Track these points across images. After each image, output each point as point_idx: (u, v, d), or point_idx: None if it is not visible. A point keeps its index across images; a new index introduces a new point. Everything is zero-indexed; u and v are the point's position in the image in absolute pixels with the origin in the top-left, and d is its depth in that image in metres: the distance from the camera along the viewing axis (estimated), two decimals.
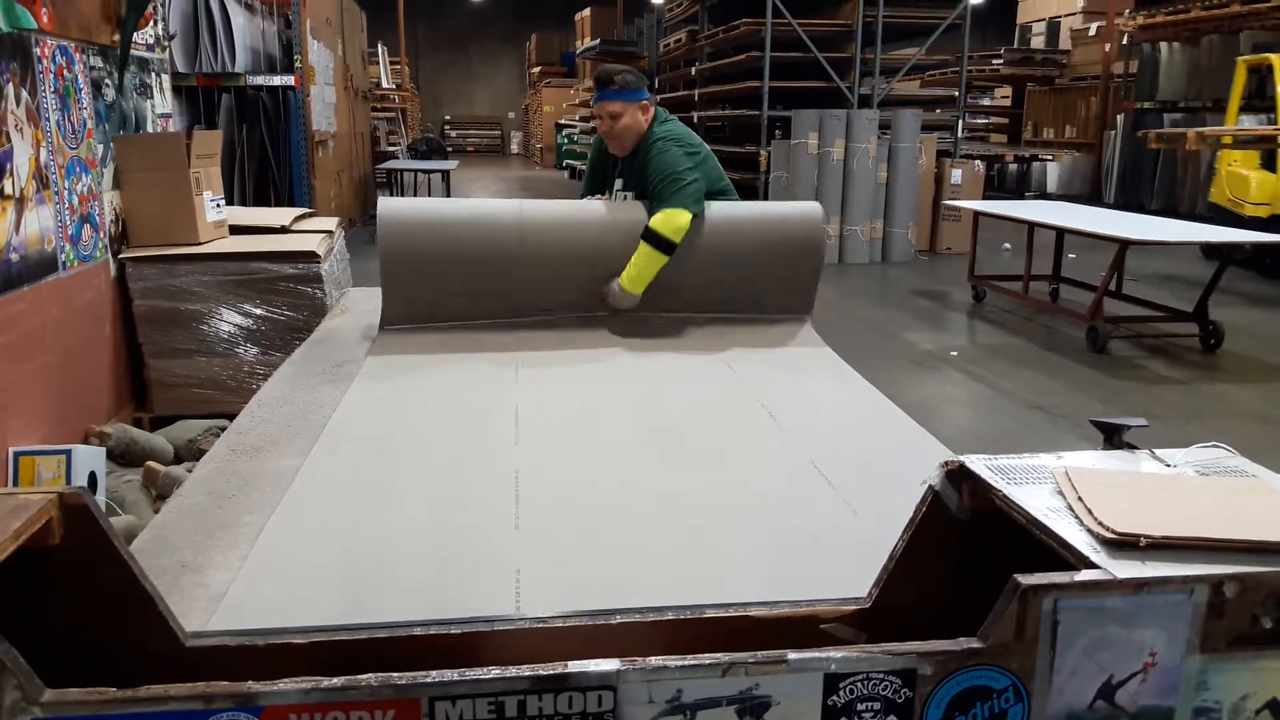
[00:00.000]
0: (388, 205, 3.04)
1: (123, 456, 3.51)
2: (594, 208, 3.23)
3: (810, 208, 3.28)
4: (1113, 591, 1.00)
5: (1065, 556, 1.07)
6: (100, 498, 3.16)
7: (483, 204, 3.32)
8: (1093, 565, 1.03)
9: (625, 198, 3.29)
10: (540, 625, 1.27)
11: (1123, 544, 1.06)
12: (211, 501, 1.82)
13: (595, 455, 2.09)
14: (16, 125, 3.13)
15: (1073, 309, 6.42)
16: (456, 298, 3.01)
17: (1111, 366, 5.48)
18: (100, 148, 3.81)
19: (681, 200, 3.02)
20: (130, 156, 3.99)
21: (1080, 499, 1.16)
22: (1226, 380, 5.25)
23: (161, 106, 4.58)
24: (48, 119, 3.35)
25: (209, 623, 1.35)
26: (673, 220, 3.00)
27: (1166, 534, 1.07)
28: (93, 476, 3.21)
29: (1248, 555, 1.05)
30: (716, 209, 3.15)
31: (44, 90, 3.33)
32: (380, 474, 1.95)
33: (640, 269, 3.01)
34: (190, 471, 2.21)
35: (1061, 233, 6.77)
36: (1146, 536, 1.06)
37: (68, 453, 3.15)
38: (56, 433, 3.37)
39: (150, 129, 4.39)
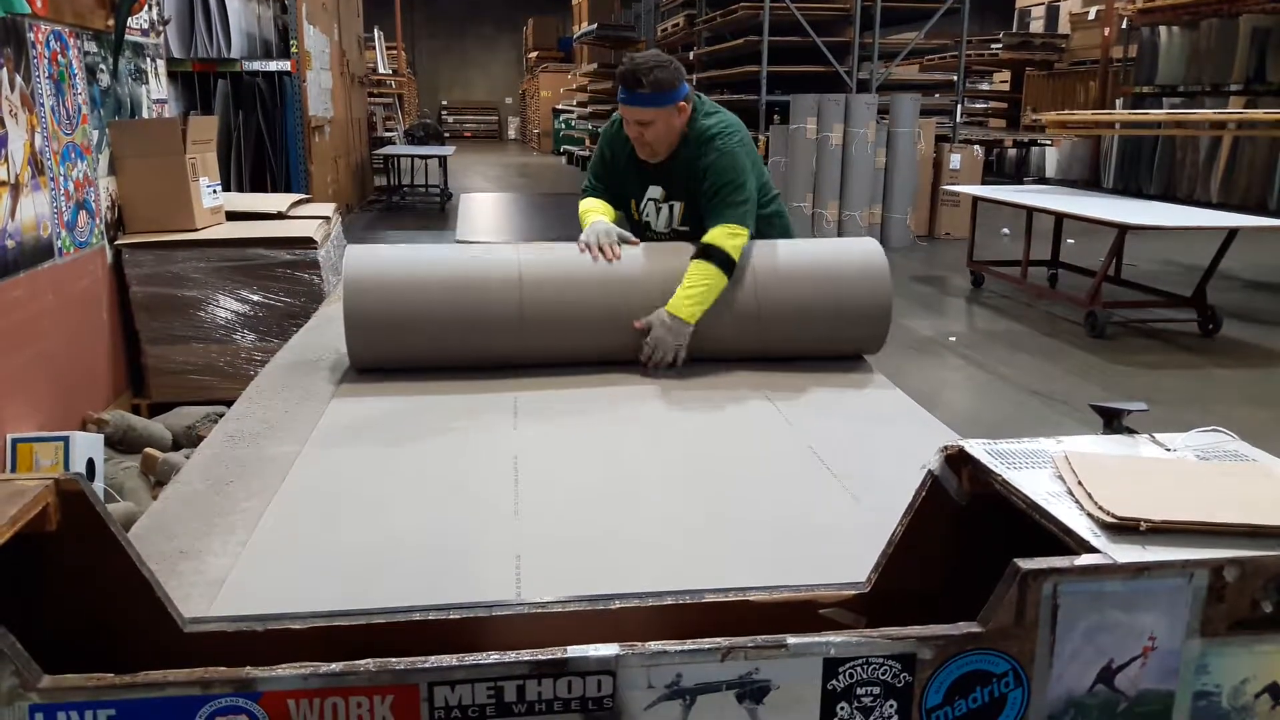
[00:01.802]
0: (353, 297, 2.40)
1: (121, 443, 3.50)
2: (621, 268, 2.56)
3: (875, 262, 2.66)
4: (1113, 576, 1.00)
5: (1065, 541, 1.07)
6: (98, 484, 3.16)
7: (472, 284, 2.49)
8: (1093, 549, 1.03)
9: (669, 209, 2.74)
10: (539, 610, 1.27)
11: (1123, 528, 1.06)
12: (209, 488, 1.82)
13: (594, 442, 2.08)
14: (11, 111, 3.11)
15: (1071, 294, 6.42)
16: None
17: (1110, 351, 5.47)
18: (95, 133, 3.79)
19: (743, 216, 2.55)
20: (126, 142, 3.97)
21: (1080, 483, 1.16)
22: (1225, 365, 5.25)
23: (157, 92, 4.56)
24: (42, 104, 3.33)
25: (208, 609, 1.35)
26: (737, 236, 2.52)
27: (1166, 518, 1.06)
28: (91, 463, 3.20)
29: (1248, 539, 1.05)
30: (764, 263, 2.62)
31: (38, 75, 3.31)
32: (379, 461, 1.95)
33: (699, 292, 2.46)
34: (188, 458, 2.21)
35: (1060, 218, 6.76)
36: (1147, 521, 1.06)
37: (66, 439, 3.15)
38: (54, 420, 3.37)
39: (145, 115, 4.37)
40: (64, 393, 3.49)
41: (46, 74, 3.38)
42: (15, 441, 3.08)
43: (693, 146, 2.63)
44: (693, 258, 2.51)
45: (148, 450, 3.33)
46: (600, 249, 2.55)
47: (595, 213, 2.76)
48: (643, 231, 2.82)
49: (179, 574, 1.48)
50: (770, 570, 1.44)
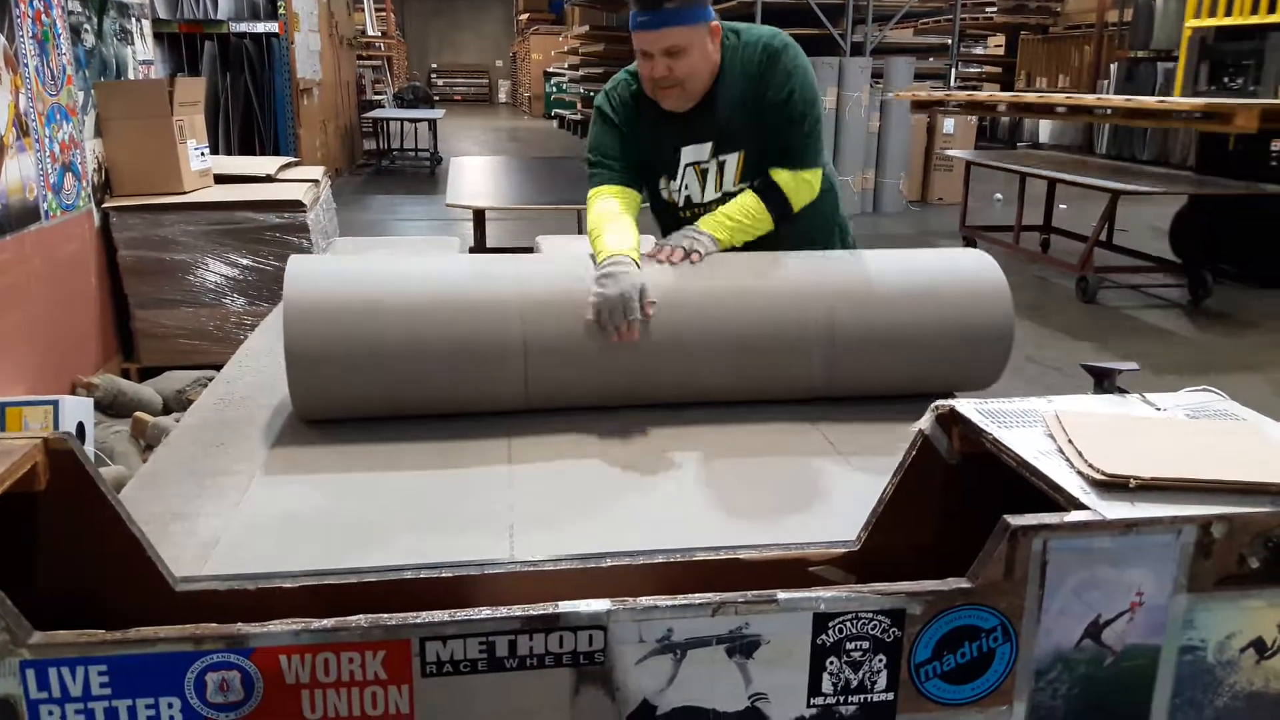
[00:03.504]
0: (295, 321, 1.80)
1: (110, 407, 3.49)
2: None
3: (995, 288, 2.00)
4: (1102, 532, 1.01)
5: (1055, 498, 1.07)
6: (89, 448, 3.15)
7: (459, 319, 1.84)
8: (1082, 506, 1.03)
9: (717, 168, 2.11)
10: (531, 569, 1.27)
11: (1112, 485, 1.06)
12: (200, 451, 1.81)
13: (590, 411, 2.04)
14: None
15: (1063, 259, 6.41)
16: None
17: (1101, 316, 5.49)
18: (81, 95, 3.74)
19: (819, 154, 2.06)
20: (112, 104, 3.92)
21: (1070, 441, 1.16)
22: (1214, 329, 5.27)
23: (143, 53, 4.50)
24: (26, 65, 3.28)
25: (200, 571, 1.35)
26: (809, 185, 2.06)
27: (1156, 475, 1.07)
28: (80, 427, 3.19)
29: (1236, 496, 1.05)
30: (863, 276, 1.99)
31: (22, 35, 3.26)
32: (370, 424, 1.94)
33: (741, 224, 2.01)
34: (178, 422, 2.20)
35: (1053, 183, 6.74)
36: (1136, 478, 1.06)
37: (55, 403, 3.13)
38: (43, 384, 3.35)
39: (131, 76, 4.32)
40: (53, 357, 3.48)
41: (30, 34, 3.32)
42: (4, 405, 3.06)
43: (740, 69, 2.05)
44: (751, 188, 2.04)
45: (137, 414, 3.33)
46: (618, 328, 1.82)
47: (613, 223, 2.00)
48: (677, 214, 2.21)
49: (170, 536, 1.48)
50: (761, 535, 1.45)
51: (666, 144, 2.14)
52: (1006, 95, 7.20)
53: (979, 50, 17.60)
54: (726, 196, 2.13)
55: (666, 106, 2.07)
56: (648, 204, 2.29)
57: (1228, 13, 6.84)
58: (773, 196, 2.02)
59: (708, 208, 2.15)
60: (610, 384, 1.89)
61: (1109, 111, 5.59)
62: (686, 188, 2.16)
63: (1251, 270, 6.15)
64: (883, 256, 2.06)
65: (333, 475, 1.70)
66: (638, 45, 2.02)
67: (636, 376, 1.89)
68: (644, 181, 2.21)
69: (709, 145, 2.11)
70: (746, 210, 2.01)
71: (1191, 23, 7.23)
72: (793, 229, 2.12)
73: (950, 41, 10.46)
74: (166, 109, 3.97)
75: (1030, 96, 6.83)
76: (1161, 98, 6.51)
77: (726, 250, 2.03)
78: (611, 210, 2.05)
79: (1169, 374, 4.41)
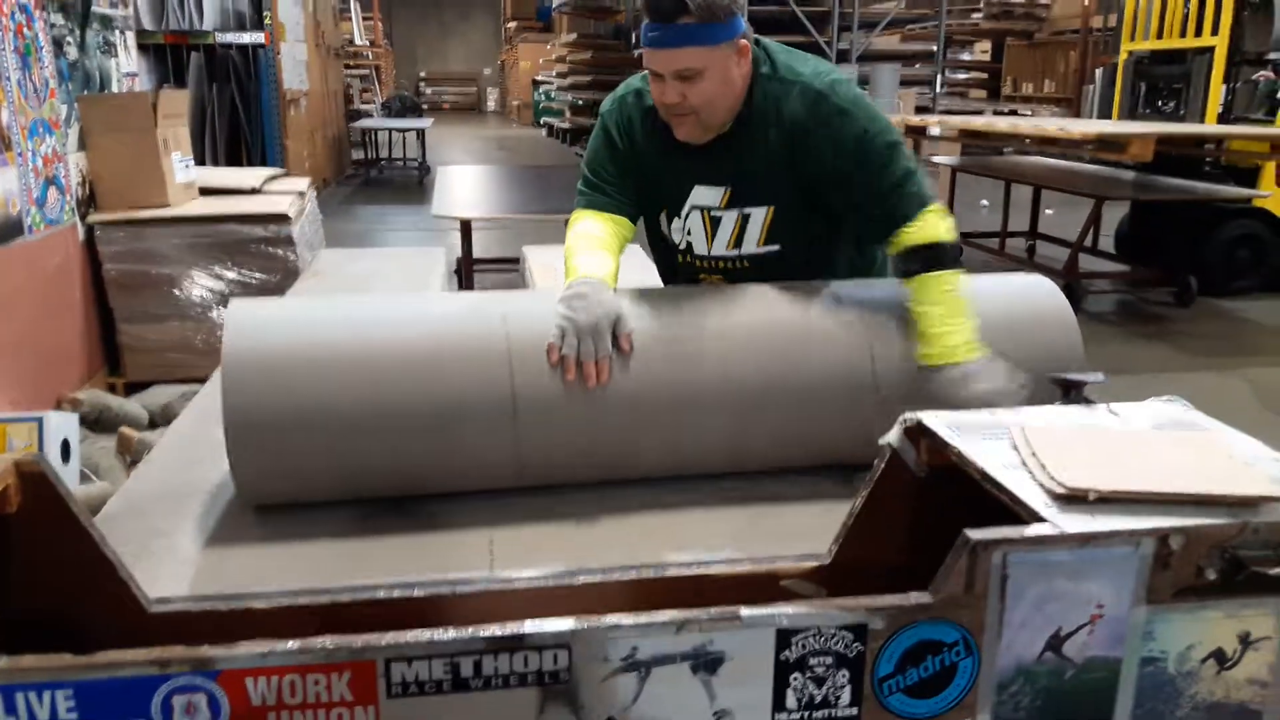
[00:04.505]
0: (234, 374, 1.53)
1: (96, 423, 3.49)
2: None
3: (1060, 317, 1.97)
4: (1060, 545, 1.02)
5: (1017, 511, 1.08)
6: (74, 465, 3.15)
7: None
8: (1042, 520, 1.04)
9: (737, 221, 1.82)
10: (503, 587, 1.28)
11: (1072, 499, 1.08)
12: (182, 467, 1.82)
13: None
14: None
15: (1049, 265, 6.44)
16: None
17: (1086, 323, 5.49)
18: (64, 108, 3.74)
19: (929, 188, 1.75)
20: (95, 117, 3.92)
21: (1034, 454, 1.17)
22: (1198, 334, 5.30)
23: (127, 65, 4.50)
24: (8, 78, 3.29)
25: (180, 589, 1.36)
26: (946, 216, 1.72)
27: (1115, 488, 1.08)
28: (66, 444, 3.19)
29: (1193, 508, 1.06)
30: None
31: (4, 48, 3.26)
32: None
33: (955, 297, 1.65)
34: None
35: (1038, 188, 6.78)
36: (1095, 491, 1.08)
37: (39, 420, 3.12)
38: (27, 400, 3.35)
39: (115, 88, 4.32)
40: (37, 372, 3.47)
41: (12, 47, 3.33)
42: None
43: (775, 110, 1.74)
44: (915, 271, 1.67)
45: (123, 430, 3.32)
46: (580, 361, 1.57)
47: (591, 250, 1.75)
48: (673, 259, 1.94)
49: (151, 553, 1.49)
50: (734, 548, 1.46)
51: (674, 177, 1.83)
52: (933, 119, 7.38)
53: (965, 56, 17.67)
54: (745, 258, 1.84)
55: (680, 136, 1.76)
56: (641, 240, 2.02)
57: (1159, 35, 6.90)
58: (931, 254, 1.65)
59: (714, 263, 1.86)
60: (623, 452, 1.63)
61: (1026, 140, 5.78)
62: (689, 233, 1.85)
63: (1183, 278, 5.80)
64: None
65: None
66: (647, 64, 1.70)
67: (651, 443, 1.62)
68: (645, 212, 1.92)
69: (724, 191, 1.79)
70: (950, 291, 1.63)
71: (1127, 45, 7.31)
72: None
73: (936, 48, 10.52)
74: (150, 122, 3.98)
75: (955, 120, 6.99)
76: (1062, 124, 6.57)
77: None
78: (592, 234, 1.78)
79: (1150, 380, 4.44)
